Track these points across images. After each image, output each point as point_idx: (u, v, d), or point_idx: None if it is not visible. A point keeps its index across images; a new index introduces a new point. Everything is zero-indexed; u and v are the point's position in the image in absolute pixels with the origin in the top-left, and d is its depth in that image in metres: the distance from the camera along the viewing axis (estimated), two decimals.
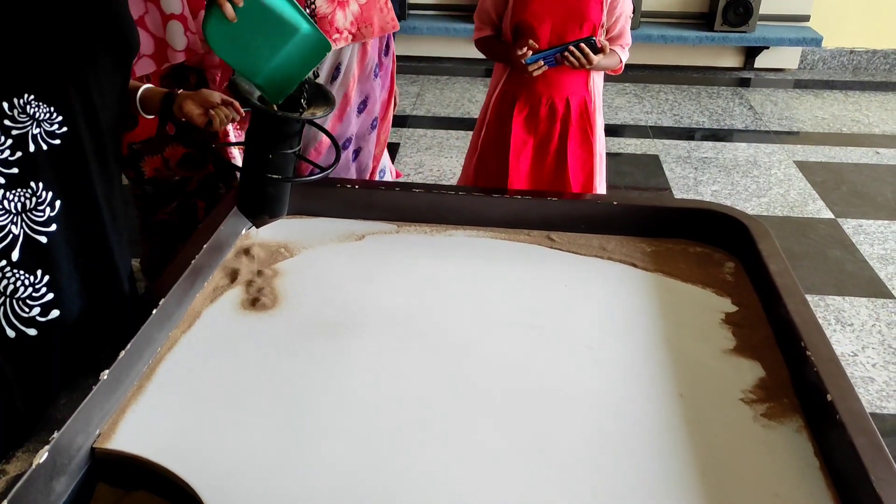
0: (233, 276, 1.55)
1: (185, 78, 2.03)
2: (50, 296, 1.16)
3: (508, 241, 1.72)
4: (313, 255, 1.65)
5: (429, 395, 1.25)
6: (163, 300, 1.31)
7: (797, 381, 1.28)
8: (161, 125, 1.95)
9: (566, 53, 1.98)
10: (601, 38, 2.01)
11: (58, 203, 1.15)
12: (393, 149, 4.07)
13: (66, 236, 1.18)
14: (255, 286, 1.51)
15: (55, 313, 1.16)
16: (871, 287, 2.85)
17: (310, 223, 1.77)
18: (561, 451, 1.14)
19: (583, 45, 1.97)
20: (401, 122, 4.42)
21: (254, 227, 1.73)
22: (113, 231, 1.26)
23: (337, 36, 1.85)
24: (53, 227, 1.15)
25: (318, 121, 1.49)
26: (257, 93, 1.35)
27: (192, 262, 1.43)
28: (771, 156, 4.05)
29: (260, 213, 1.48)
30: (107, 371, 1.13)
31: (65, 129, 1.14)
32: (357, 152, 2.10)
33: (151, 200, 2.14)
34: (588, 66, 1.99)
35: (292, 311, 1.45)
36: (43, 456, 0.98)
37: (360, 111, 2.05)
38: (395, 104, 2.27)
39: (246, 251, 1.63)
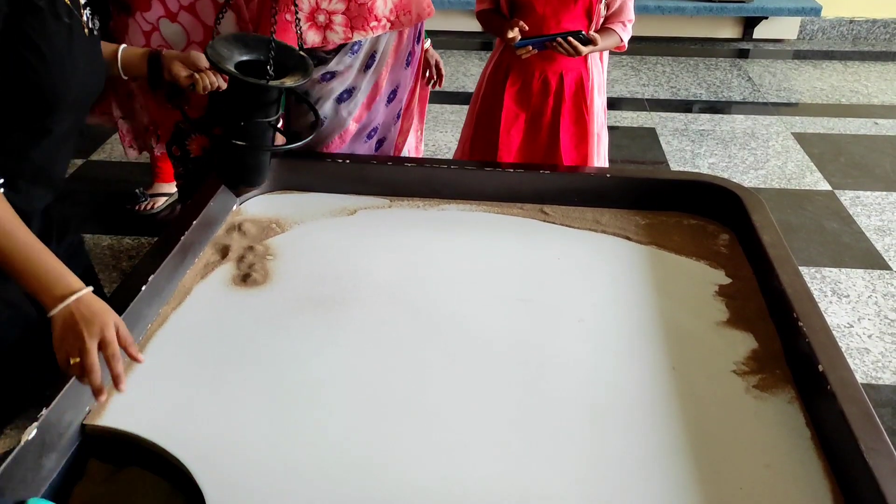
0: (224, 251, 1.54)
1: None
2: None
3: (502, 215, 1.71)
4: (305, 230, 1.64)
5: (421, 368, 1.25)
6: (152, 276, 1.30)
7: (789, 352, 1.28)
8: (211, 103, 1.93)
9: (554, 44, 1.95)
10: (591, 31, 1.99)
11: None
12: None
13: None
14: (246, 262, 1.50)
15: None
16: (868, 258, 2.85)
17: (301, 198, 1.75)
18: (553, 423, 1.14)
19: (570, 38, 1.94)
20: None
21: (245, 203, 1.72)
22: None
23: (375, 24, 1.81)
24: None
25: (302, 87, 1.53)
26: (236, 59, 1.33)
27: (182, 238, 1.42)
28: (769, 128, 4.02)
29: (237, 183, 1.51)
30: None
31: (1, 190, 1.09)
32: (381, 142, 2.07)
33: (197, 180, 2.11)
34: (578, 55, 1.97)
35: (284, 287, 1.45)
36: (32, 432, 0.97)
37: (389, 101, 2.01)
38: (437, 84, 2.24)
39: (237, 227, 1.62)
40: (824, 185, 3.40)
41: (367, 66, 1.89)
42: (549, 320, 1.37)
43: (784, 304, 1.31)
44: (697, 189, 1.71)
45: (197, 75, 1.37)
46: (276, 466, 1.05)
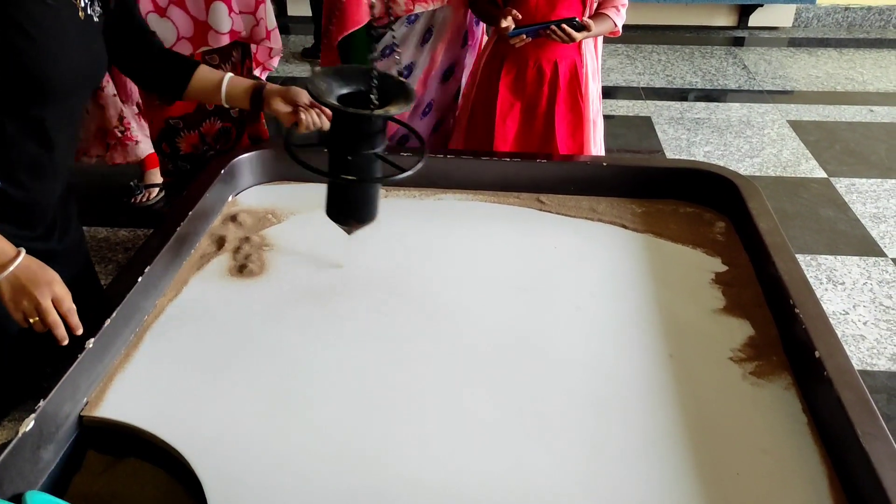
0: (220, 243, 1.53)
1: (227, 52, 1.99)
2: None
3: (498, 205, 1.71)
4: (301, 220, 1.63)
5: (418, 358, 1.25)
6: (148, 268, 1.30)
7: (786, 339, 1.28)
8: (253, 117, 1.93)
9: (548, 31, 1.95)
10: (585, 17, 1.98)
11: None
12: None
13: None
14: (242, 253, 1.50)
15: None
16: (863, 246, 2.85)
17: (297, 188, 1.75)
18: (550, 411, 1.14)
19: (564, 25, 1.93)
20: None
21: (240, 194, 1.71)
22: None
23: None
24: None
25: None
26: (336, 92, 1.26)
27: (178, 229, 1.42)
28: (764, 115, 4.02)
29: (347, 218, 1.39)
30: (92, 340, 1.12)
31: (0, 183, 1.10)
32: (439, 123, 2.06)
33: (186, 177, 2.11)
34: (572, 42, 1.97)
35: (280, 278, 1.44)
36: (29, 424, 0.97)
37: (445, 78, 2.00)
38: None
39: (233, 218, 1.62)
40: (820, 173, 3.41)
41: (423, 40, 1.89)
42: (545, 309, 1.37)
43: (781, 292, 1.32)
44: (693, 177, 1.71)
45: (302, 114, 1.35)
46: (273, 456, 1.05)
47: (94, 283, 1.46)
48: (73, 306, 1.08)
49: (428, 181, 1.74)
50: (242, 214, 1.62)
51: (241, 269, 1.45)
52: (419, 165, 1.31)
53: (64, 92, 1.15)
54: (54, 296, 1.07)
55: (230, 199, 1.68)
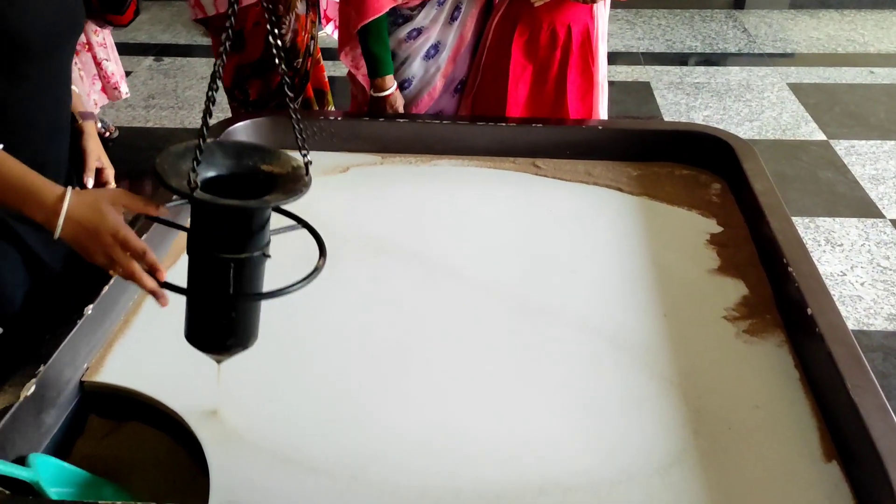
0: None
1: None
2: None
3: (494, 170, 1.71)
4: None
5: (414, 322, 1.26)
6: (145, 235, 1.30)
7: (780, 297, 1.29)
8: (267, 47, 1.92)
9: None
10: None
11: None
12: None
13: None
14: None
15: None
16: (862, 207, 2.86)
17: (293, 156, 1.75)
18: (546, 370, 1.16)
19: None
20: None
21: None
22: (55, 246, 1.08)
23: None
24: None
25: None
26: (191, 175, 0.85)
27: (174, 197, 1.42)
28: (764, 79, 3.99)
29: (222, 344, 0.99)
30: (91, 306, 1.13)
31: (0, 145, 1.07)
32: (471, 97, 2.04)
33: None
34: (594, 2, 1.94)
35: (276, 244, 1.44)
36: (30, 389, 0.99)
37: (474, 53, 1.98)
38: None
39: None
40: (819, 136, 3.40)
41: (452, 18, 1.87)
42: (542, 272, 1.38)
43: (775, 251, 1.32)
44: (689, 139, 1.71)
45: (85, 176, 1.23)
46: (274, 418, 1.07)
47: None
48: (144, 246, 0.97)
49: (424, 147, 1.74)
50: None
51: None
52: (312, 277, 0.97)
53: (43, 49, 1.12)
54: (123, 242, 0.95)
55: None
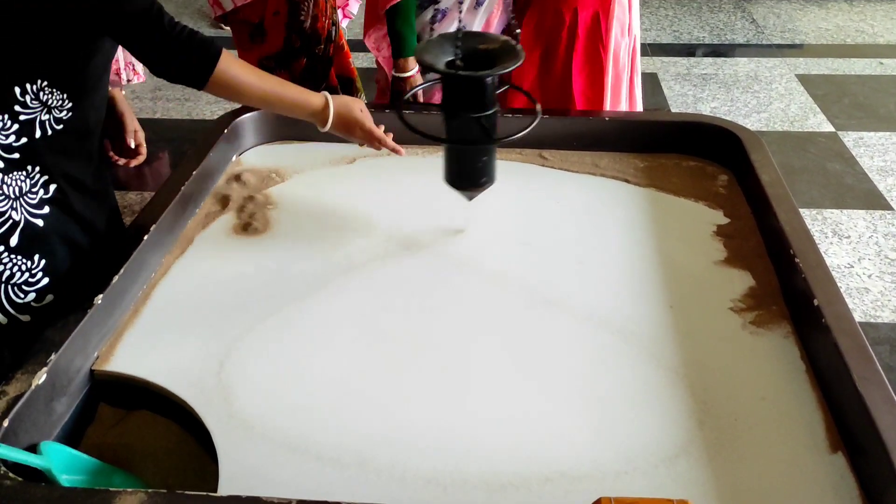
0: (224, 202, 1.55)
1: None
2: (45, 280, 1.17)
3: (500, 160, 1.70)
4: (304, 179, 1.64)
5: (422, 311, 1.26)
6: (154, 226, 1.31)
7: (786, 288, 1.29)
8: (287, 37, 1.92)
9: None
10: None
11: (52, 187, 1.16)
12: None
13: (60, 219, 1.18)
14: (246, 211, 1.51)
15: (50, 298, 1.18)
16: (870, 199, 2.85)
17: (301, 147, 1.75)
18: (553, 361, 1.16)
19: None
20: None
21: (244, 154, 1.72)
22: (100, 212, 1.26)
23: None
24: (46, 210, 1.16)
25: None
26: (445, 57, 1.26)
27: (182, 188, 1.43)
28: (772, 70, 3.97)
29: (470, 184, 1.37)
30: (101, 295, 1.14)
31: (70, 114, 1.13)
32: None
33: None
34: None
35: (284, 235, 1.46)
36: (42, 377, 1.00)
37: None
38: None
39: (237, 177, 1.63)
40: (828, 127, 3.38)
41: (478, 2, 1.86)
42: (549, 263, 1.38)
43: (781, 242, 1.32)
44: (696, 130, 1.70)
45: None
46: (282, 406, 1.08)
47: (119, 225, 1.46)
48: (382, 134, 1.43)
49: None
50: (246, 174, 1.63)
51: (246, 228, 1.46)
52: (537, 120, 1.35)
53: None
54: (370, 132, 1.41)
55: (234, 158, 1.69)
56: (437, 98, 2.00)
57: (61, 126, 1.13)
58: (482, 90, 1.25)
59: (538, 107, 1.36)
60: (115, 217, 1.35)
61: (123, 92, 1.69)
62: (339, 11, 2.20)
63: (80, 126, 1.16)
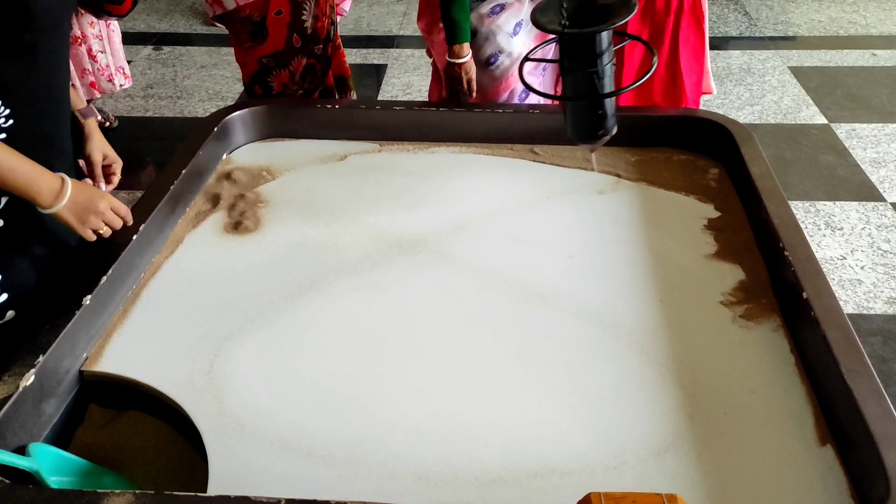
0: (214, 200, 1.54)
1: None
2: (4, 296, 1.13)
3: (492, 156, 1.71)
4: (295, 176, 1.64)
5: (412, 309, 1.26)
6: (143, 226, 1.31)
7: (776, 281, 1.29)
8: (289, 37, 1.92)
9: None
10: None
11: (3, 199, 1.12)
12: (380, 70, 4.00)
13: (17, 232, 1.14)
14: (237, 210, 1.51)
15: (11, 314, 1.14)
16: (863, 191, 2.85)
17: (291, 145, 1.75)
18: (543, 356, 1.16)
19: None
20: (388, 42, 4.33)
21: (235, 152, 1.72)
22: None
23: None
24: (0, 223, 1.12)
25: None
26: (559, 19, 1.27)
27: (172, 187, 1.43)
28: (765, 62, 3.97)
29: (597, 134, 1.38)
30: (89, 296, 1.14)
31: (11, 121, 1.10)
32: (556, 79, 2.02)
33: None
34: None
35: (275, 233, 1.46)
36: (29, 379, 1.00)
37: None
38: None
39: (227, 175, 1.62)
40: (820, 119, 3.38)
41: None
42: (539, 258, 1.38)
43: (771, 235, 1.32)
44: (687, 124, 1.70)
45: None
46: (272, 406, 1.08)
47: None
48: (125, 207, 1.21)
49: (420, 134, 1.74)
50: (237, 172, 1.63)
51: (237, 226, 1.46)
52: (653, 69, 1.32)
53: (48, 18, 1.12)
54: (111, 205, 1.17)
55: (224, 157, 1.69)
56: (512, 83, 2.00)
57: (3, 135, 1.09)
58: (591, 46, 1.25)
59: (654, 59, 1.35)
60: None
61: (99, 112, 1.68)
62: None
63: (27, 136, 1.11)
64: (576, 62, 1.29)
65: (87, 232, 1.16)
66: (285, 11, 1.89)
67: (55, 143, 1.21)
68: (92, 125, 1.33)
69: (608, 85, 1.31)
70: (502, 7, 1.85)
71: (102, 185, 1.33)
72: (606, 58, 1.28)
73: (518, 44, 1.91)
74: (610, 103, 1.34)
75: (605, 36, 1.26)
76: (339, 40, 2.15)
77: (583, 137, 1.41)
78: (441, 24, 1.87)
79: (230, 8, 1.88)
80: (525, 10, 1.88)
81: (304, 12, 1.91)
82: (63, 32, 1.21)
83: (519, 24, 1.88)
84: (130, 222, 1.23)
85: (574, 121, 1.39)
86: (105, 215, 1.17)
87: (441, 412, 1.07)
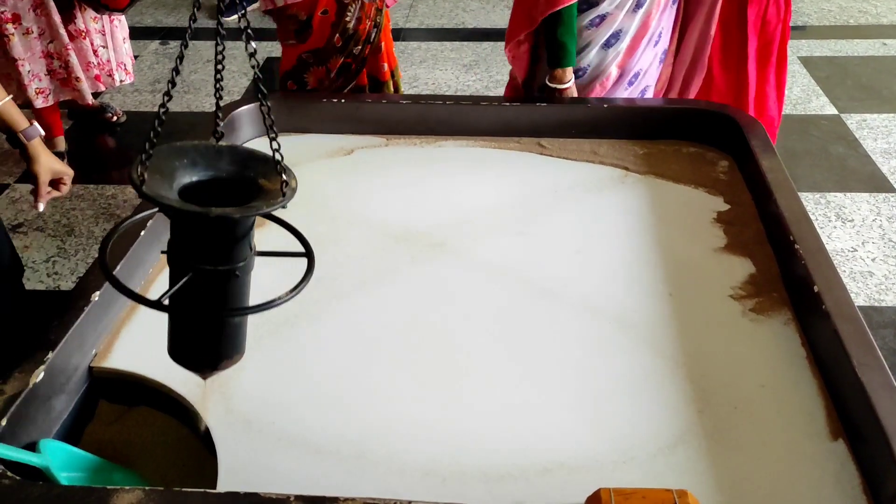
0: None
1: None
2: None
3: (499, 150, 1.70)
4: (302, 171, 1.61)
5: (420, 301, 1.26)
6: (150, 222, 1.31)
7: (786, 275, 1.28)
8: (331, 36, 1.93)
9: None
10: None
11: None
12: None
13: None
14: None
15: None
16: (873, 182, 2.82)
17: (298, 139, 1.75)
18: (552, 350, 1.16)
19: None
20: (394, 35, 4.31)
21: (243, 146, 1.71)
22: None
23: None
24: None
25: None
26: (177, 185, 0.81)
27: None
28: None
29: (209, 360, 0.87)
30: (97, 293, 1.14)
31: None
32: (645, 90, 1.97)
33: None
34: None
35: (281, 228, 1.45)
36: (39, 375, 1.00)
37: (655, 43, 1.87)
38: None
39: None
40: (830, 109, 3.35)
41: (637, 5, 1.77)
42: (547, 252, 1.38)
43: (781, 228, 1.31)
44: (696, 116, 1.69)
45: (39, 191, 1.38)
46: (280, 402, 1.08)
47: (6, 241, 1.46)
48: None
49: (427, 128, 1.74)
50: None
51: None
52: (304, 284, 0.87)
53: None
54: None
55: None
56: (594, 96, 1.90)
57: None
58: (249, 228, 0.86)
59: (309, 268, 0.93)
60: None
61: (124, 83, 1.67)
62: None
63: None
64: (200, 253, 0.80)
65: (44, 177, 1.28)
66: (331, 11, 1.92)
67: None
68: (36, 146, 1.37)
69: (240, 294, 0.89)
70: (602, 18, 1.77)
71: (41, 205, 1.39)
72: (244, 255, 0.86)
73: (609, 56, 1.83)
74: (243, 322, 0.90)
75: (250, 223, 0.85)
76: (384, 43, 2.13)
77: (194, 363, 0.89)
78: (522, 38, 1.80)
79: (280, 5, 1.91)
80: (620, 20, 1.81)
81: (349, 14, 1.94)
82: None
83: (614, 36, 1.81)
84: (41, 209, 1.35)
85: (183, 338, 0.88)
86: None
87: (449, 407, 1.07)
